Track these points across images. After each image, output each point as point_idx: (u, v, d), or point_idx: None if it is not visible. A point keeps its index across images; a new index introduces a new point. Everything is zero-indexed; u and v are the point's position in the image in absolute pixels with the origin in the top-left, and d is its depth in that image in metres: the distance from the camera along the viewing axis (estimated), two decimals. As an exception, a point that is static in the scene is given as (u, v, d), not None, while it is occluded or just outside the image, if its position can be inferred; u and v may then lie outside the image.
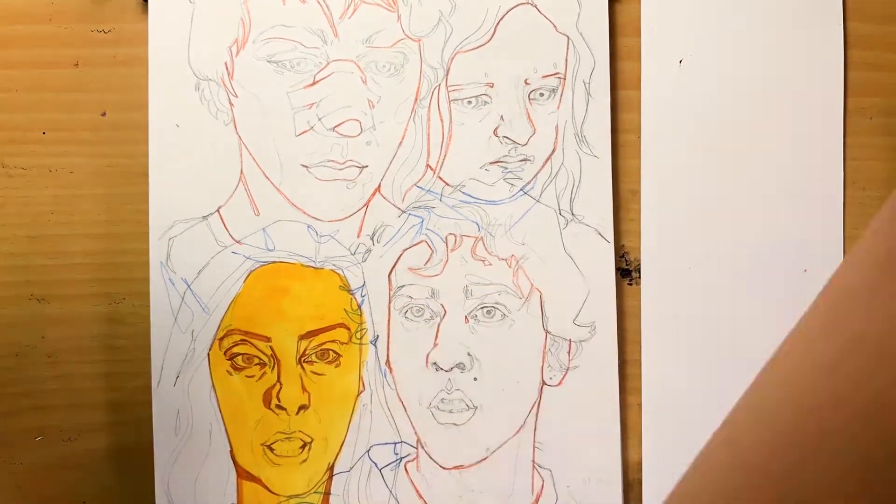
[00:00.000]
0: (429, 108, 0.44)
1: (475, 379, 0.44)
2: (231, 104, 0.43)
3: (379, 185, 0.44)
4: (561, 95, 0.44)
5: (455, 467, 0.44)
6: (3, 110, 0.43)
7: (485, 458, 0.44)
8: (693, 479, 0.27)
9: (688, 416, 0.45)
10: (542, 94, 0.44)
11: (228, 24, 0.43)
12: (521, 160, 0.44)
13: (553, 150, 0.44)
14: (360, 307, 0.44)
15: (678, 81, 0.45)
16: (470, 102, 0.44)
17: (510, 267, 0.44)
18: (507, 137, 0.44)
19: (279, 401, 0.43)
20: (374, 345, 0.44)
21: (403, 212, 0.44)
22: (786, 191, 0.46)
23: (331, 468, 0.43)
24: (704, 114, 0.45)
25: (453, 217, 0.44)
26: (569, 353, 0.44)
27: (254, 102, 0.43)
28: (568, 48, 0.44)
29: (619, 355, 0.44)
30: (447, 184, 0.44)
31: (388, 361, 0.44)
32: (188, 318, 0.43)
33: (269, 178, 0.43)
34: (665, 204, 0.45)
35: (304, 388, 0.43)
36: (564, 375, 0.44)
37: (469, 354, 0.44)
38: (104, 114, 0.43)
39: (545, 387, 0.44)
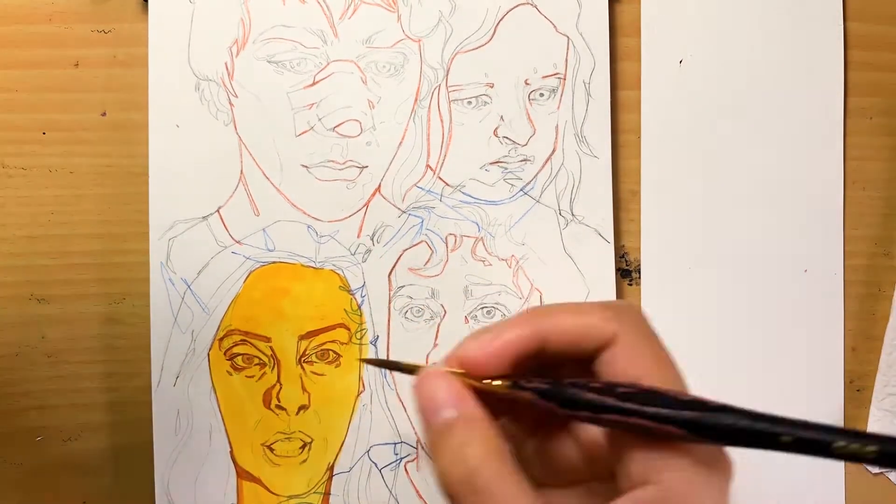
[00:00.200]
0: (429, 108, 0.44)
1: (475, 379, 0.44)
2: (231, 104, 0.43)
3: (379, 186, 0.44)
4: (561, 96, 0.44)
5: (455, 467, 0.44)
6: (3, 110, 0.43)
7: (485, 459, 0.44)
8: None
9: (688, 417, 0.45)
10: (542, 95, 0.44)
11: (228, 25, 0.43)
12: (521, 160, 0.44)
13: (553, 151, 0.44)
14: (360, 307, 0.44)
15: (678, 81, 0.45)
16: (470, 103, 0.44)
17: (510, 267, 0.44)
18: (507, 138, 0.44)
19: (279, 401, 0.43)
20: (374, 345, 0.44)
21: (403, 212, 0.44)
22: (786, 191, 0.46)
23: (331, 468, 0.43)
24: (704, 114, 0.45)
25: (453, 217, 0.44)
26: (569, 353, 0.44)
27: (254, 102, 0.43)
28: (568, 48, 0.44)
29: (619, 355, 0.44)
30: (447, 184, 0.44)
31: (388, 361, 0.44)
32: (188, 318, 0.43)
33: (269, 178, 0.43)
34: (665, 204, 0.45)
35: (304, 389, 0.43)
36: (564, 375, 0.44)
37: (469, 354, 0.44)
38: (104, 114, 0.43)
39: (545, 387, 0.44)
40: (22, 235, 0.43)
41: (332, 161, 0.43)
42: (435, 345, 0.44)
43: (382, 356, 0.44)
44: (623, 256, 0.45)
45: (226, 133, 0.43)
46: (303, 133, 0.43)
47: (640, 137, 0.45)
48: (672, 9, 0.45)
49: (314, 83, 0.43)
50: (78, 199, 0.43)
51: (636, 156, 0.45)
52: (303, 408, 0.43)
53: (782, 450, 0.25)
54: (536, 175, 0.44)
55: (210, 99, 0.43)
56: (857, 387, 0.47)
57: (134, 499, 0.44)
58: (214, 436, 0.43)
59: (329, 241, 0.44)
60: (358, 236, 0.44)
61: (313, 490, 0.43)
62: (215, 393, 0.43)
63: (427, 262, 0.44)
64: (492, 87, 0.44)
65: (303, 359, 0.43)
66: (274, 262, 0.43)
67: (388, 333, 0.44)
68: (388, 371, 0.44)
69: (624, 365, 0.27)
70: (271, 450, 0.43)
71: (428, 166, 0.44)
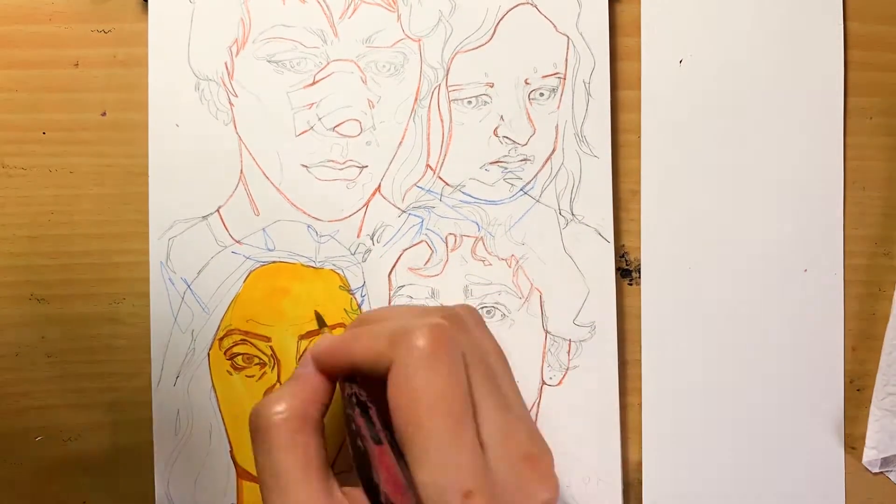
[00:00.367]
0: (429, 108, 0.44)
1: (475, 379, 0.44)
2: (231, 104, 0.43)
3: (379, 185, 0.44)
4: (561, 95, 0.44)
5: (455, 467, 0.44)
6: (3, 110, 0.43)
7: (485, 458, 0.44)
8: None
9: (688, 416, 0.45)
10: (542, 94, 0.44)
11: (228, 24, 0.43)
12: (521, 160, 0.44)
13: (553, 150, 0.44)
14: (360, 307, 0.44)
15: (678, 81, 0.45)
16: (470, 102, 0.44)
17: (510, 267, 0.44)
18: (507, 137, 0.44)
19: (279, 401, 0.43)
20: (374, 345, 0.44)
21: (403, 212, 0.44)
22: (786, 191, 0.46)
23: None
24: (704, 114, 0.45)
25: (453, 217, 0.44)
26: (569, 353, 0.44)
27: (254, 102, 0.43)
28: (568, 48, 0.44)
29: (619, 355, 0.44)
30: (447, 184, 0.44)
31: (388, 361, 0.44)
32: (188, 318, 0.43)
33: (269, 178, 0.43)
34: (665, 204, 0.45)
35: (304, 388, 0.43)
36: (564, 375, 0.44)
37: (469, 354, 0.44)
38: (104, 114, 0.43)
39: (545, 387, 0.44)
40: (22, 235, 0.43)
41: (332, 161, 0.43)
42: (435, 345, 0.44)
43: (382, 356, 0.44)
44: (623, 256, 0.45)
45: (226, 133, 0.43)
46: (303, 133, 0.43)
47: (640, 137, 0.45)
48: (672, 9, 0.45)
49: (314, 83, 0.43)
50: (77, 198, 0.43)
51: (636, 156, 0.45)
52: (303, 408, 0.43)
53: None
54: (536, 175, 0.44)
55: (210, 99, 0.43)
56: (857, 387, 0.47)
57: (134, 499, 0.44)
58: (214, 436, 0.43)
59: (329, 241, 0.44)
60: (358, 236, 0.44)
61: (313, 490, 0.43)
62: (215, 393, 0.43)
63: (427, 261, 0.44)
64: (492, 86, 0.44)
65: (303, 359, 0.43)
66: (274, 262, 0.43)
67: (388, 333, 0.44)
68: (388, 371, 0.44)
69: (389, 394, 0.28)
70: (271, 450, 0.43)
71: (428, 166, 0.44)
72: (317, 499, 0.30)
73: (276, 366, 0.43)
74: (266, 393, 0.43)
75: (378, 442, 0.30)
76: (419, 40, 0.44)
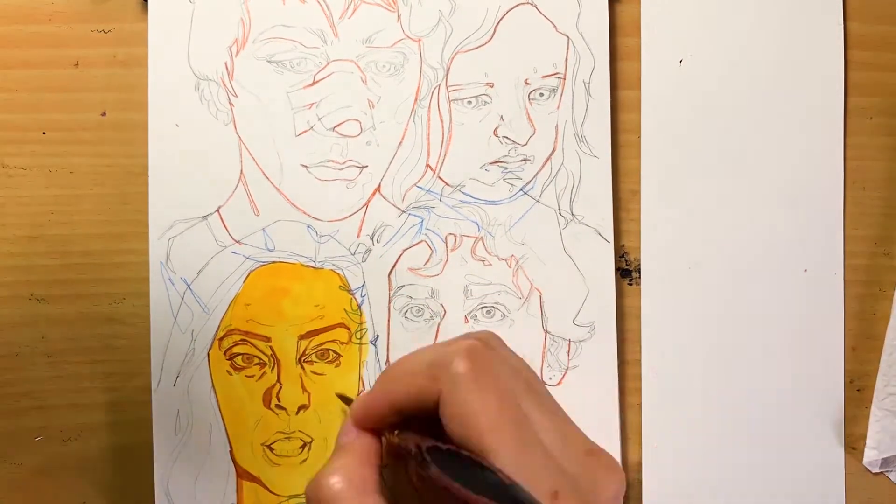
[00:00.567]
0: (429, 108, 0.44)
1: (475, 379, 0.44)
2: (231, 104, 0.43)
3: (379, 185, 0.44)
4: (561, 95, 0.44)
5: (455, 467, 0.44)
6: (3, 110, 0.43)
7: (485, 458, 0.44)
8: None
9: (688, 416, 0.45)
10: (542, 94, 0.44)
11: (228, 24, 0.43)
12: (521, 160, 0.44)
13: (553, 150, 0.44)
14: (360, 307, 0.44)
15: (678, 81, 0.45)
16: (470, 102, 0.44)
17: (510, 267, 0.44)
18: (507, 137, 0.44)
19: (279, 401, 0.43)
20: (374, 345, 0.44)
21: (403, 212, 0.44)
22: (786, 191, 0.46)
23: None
24: (704, 114, 0.45)
25: (453, 217, 0.44)
26: (568, 353, 0.44)
27: (254, 102, 0.43)
28: (568, 48, 0.44)
29: (619, 355, 0.44)
30: (447, 184, 0.44)
31: (388, 361, 0.44)
32: (188, 318, 0.43)
33: (268, 178, 0.43)
34: (665, 204, 0.45)
35: (304, 388, 0.43)
36: (564, 375, 0.44)
37: (469, 354, 0.44)
38: (104, 114, 0.43)
39: (545, 387, 0.44)
40: (22, 235, 0.43)
41: (332, 161, 0.43)
42: (435, 345, 0.44)
43: (382, 356, 0.44)
44: (623, 256, 0.45)
45: (226, 133, 0.43)
46: (303, 133, 0.43)
47: (640, 137, 0.45)
48: (672, 9, 0.45)
49: (314, 83, 0.43)
50: (78, 199, 0.43)
51: (636, 156, 0.45)
52: (303, 407, 0.43)
53: None
54: (536, 175, 0.44)
55: (210, 99, 0.43)
56: (857, 387, 0.47)
57: (134, 499, 0.44)
58: (214, 436, 0.43)
59: (329, 241, 0.44)
60: (358, 236, 0.44)
61: (313, 490, 0.43)
62: (215, 393, 0.43)
63: (427, 261, 0.44)
64: (492, 86, 0.44)
65: (303, 358, 0.43)
66: (274, 262, 0.43)
67: (388, 333, 0.44)
68: (387, 371, 0.44)
69: (448, 424, 0.27)
70: (271, 449, 0.43)
71: (428, 166, 0.44)
72: None
73: (275, 366, 0.43)
74: (266, 392, 0.43)
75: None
76: (419, 40, 0.44)
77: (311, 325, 0.43)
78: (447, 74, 0.44)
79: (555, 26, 0.44)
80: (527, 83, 0.44)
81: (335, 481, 0.29)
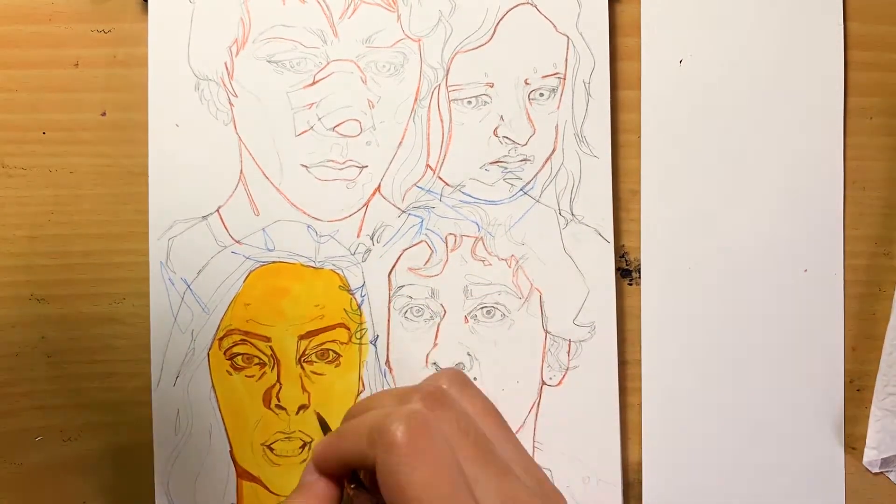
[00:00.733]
0: (429, 108, 0.44)
1: (475, 379, 0.44)
2: (231, 104, 0.43)
3: (379, 185, 0.44)
4: (561, 95, 0.44)
5: (455, 467, 0.44)
6: (3, 110, 0.43)
7: (485, 458, 0.44)
8: None
9: (688, 416, 0.45)
10: (542, 94, 0.44)
11: (228, 24, 0.43)
12: (521, 160, 0.44)
13: (553, 150, 0.44)
14: (359, 307, 0.44)
15: (678, 81, 0.45)
16: (470, 102, 0.44)
17: (510, 267, 0.44)
18: (507, 137, 0.44)
19: (279, 401, 0.43)
20: (374, 345, 0.44)
21: (403, 212, 0.44)
22: (786, 191, 0.46)
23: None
24: (704, 114, 0.45)
25: (453, 217, 0.44)
26: (568, 353, 0.44)
27: (254, 102, 0.43)
28: (568, 48, 0.44)
29: (619, 355, 0.44)
30: (447, 184, 0.44)
31: (387, 361, 0.44)
32: (188, 318, 0.43)
33: (268, 178, 0.43)
34: (665, 204, 0.45)
35: (303, 388, 0.43)
36: (564, 375, 0.44)
37: (469, 354, 0.44)
38: (104, 114, 0.43)
39: (545, 387, 0.44)
40: (22, 235, 0.43)
41: (332, 161, 0.43)
42: (435, 344, 0.44)
43: (382, 356, 0.44)
44: (623, 256, 0.45)
45: (226, 133, 0.43)
46: (303, 133, 0.43)
47: (640, 137, 0.45)
48: (672, 9, 0.45)
49: (314, 83, 0.43)
50: (78, 199, 0.43)
51: (636, 156, 0.45)
52: (303, 407, 0.43)
53: None
54: (536, 175, 0.44)
55: (210, 99, 0.43)
56: (857, 387, 0.47)
57: (134, 499, 0.44)
58: (214, 435, 0.43)
59: (329, 241, 0.44)
60: (358, 236, 0.44)
61: (313, 490, 0.43)
62: (215, 393, 0.43)
63: (427, 261, 0.44)
64: (492, 86, 0.44)
65: (303, 358, 0.43)
66: (274, 262, 0.43)
67: (388, 333, 0.44)
68: (387, 370, 0.44)
69: (382, 491, 0.28)
70: (271, 449, 0.43)
71: (428, 166, 0.44)
72: None
73: (275, 366, 0.43)
74: (266, 392, 0.43)
75: None
76: (419, 40, 0.44)
77: (311, 325, 0.43)
78: (447, 74, 0.44)
79: (555, 26, 0.44)
80: (527, 83, 0.44)
81: None
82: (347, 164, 0.43)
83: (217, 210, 0.43)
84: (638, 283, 0.45)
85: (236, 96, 0.43)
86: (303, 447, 0.43)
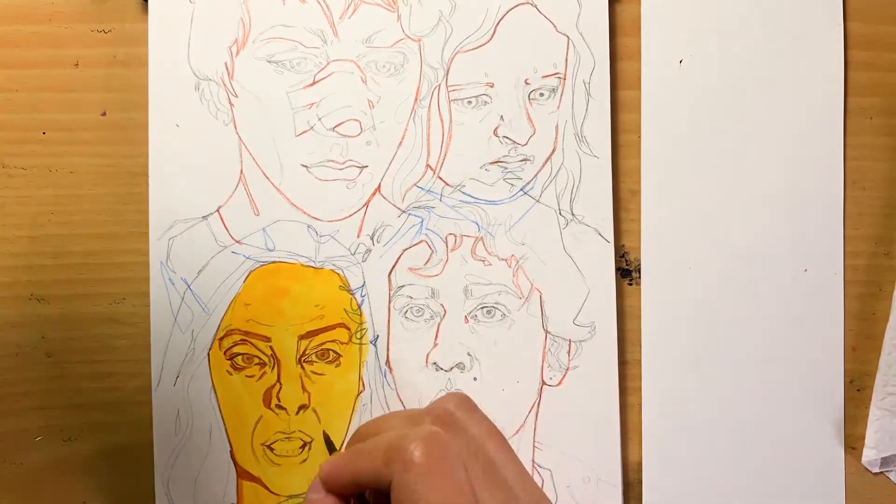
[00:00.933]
0: (429, 108, 0.44)
1: (475, 379, 0.44)
2: (231, 104, 0.43)
3: (379, 185, 0.44)
4: (561, 95, 0.44)
5: (455, 467, 0.44)
6: (3, 110, 0.43)
7: (485, 458, 0.44)
8: None
9: (688, 416, 0.45)
10: (542, 94, 0.44)
11: (228, 24, 0.43)
12: (521, 160, 0.44)
13: (553, 150, 0.44)
14: (360, 307, 0.44)
15: (678, 81, 0.45)
16: (470, 102, 0.44)
17: (510, 267, 0.44)
18: (507, 137, 0.44)
19: (279, 401, 0.43)
20: (374, 345, 0.44)
21: (403, 212, 0.44)
22: (786, 191, 0.46)
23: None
24: (704, 114, 0.45)
25: (453, 217, 0.44)
26: (569, 353, 0.44)
27: (254, 102, 0.43)
28: (568, 48, 0.44)
29: (619, 355, 0.44)
30: (447, 184, 0.44)
31: (388, 361, 0.44)
32: (188, 318, 0.43)
33: (269, 178, 0.43)
34: (665, 204, 0.45)
35: (304, 388, 0.43)
36: (564, 375, 0.44)
37: (469, 354, 0.44)
38: (104, 114, 0.43)
39: (545, 387, 0.44)
40: (22, 235, 0.43)
41: (332, 161, 0.43)
42: (435, 344, 0.44)
43: (382, 356, 0.44)
44: (623, 256, 0.45)
45: (226, 133, 0.43)
46: (303, 133, 0.43)
47: (640, 137, 0.45)
48: (672, 9, 0.45)
49: (314, 83, 0.43)
50: (78, 199, 0.43)
51: (636, 156, 0.45)
52: (303, 407, 0.43)
53: None
54: (536, 175, 0.44)
55: (210, 98, 0.43)
56: (857, 387, 0.47)
57: (134, 499, 0.44)
58: (214, 435, 0.43)
59: (329, 241, 0.44)
60: (358, 236, 0.44)
61: (313, 490, 0.43)
62: (215, 393, 0.43)
63: (427, 261, 0.44)
64: (492, 86, 0.44)
65: (303, 358, 0.43)
66: (274, 262, 0.43)
67: (388, 333, 0.44)
68: (388, 370, 0.44)
69: None
70: (271, 449, 0.43)
71: (428, 166, 0.44)
72: None
73: (275, 366, 0.43)
74: (266, 392, 0.43)
75: None
76: (419, 40, 0.44)
77: (311, 325, 0.43)
78: (447, 74, 0.44)
79: (555, 26, 0.44)
80: (527, 83, 0.44)
81: None
82: (347, 164, 0.43)
83: (217, 210, 0.43)
84: (638, 283, 0.45)
85: (236, 96, 0.43)
86: (303, 447, 0.43)
